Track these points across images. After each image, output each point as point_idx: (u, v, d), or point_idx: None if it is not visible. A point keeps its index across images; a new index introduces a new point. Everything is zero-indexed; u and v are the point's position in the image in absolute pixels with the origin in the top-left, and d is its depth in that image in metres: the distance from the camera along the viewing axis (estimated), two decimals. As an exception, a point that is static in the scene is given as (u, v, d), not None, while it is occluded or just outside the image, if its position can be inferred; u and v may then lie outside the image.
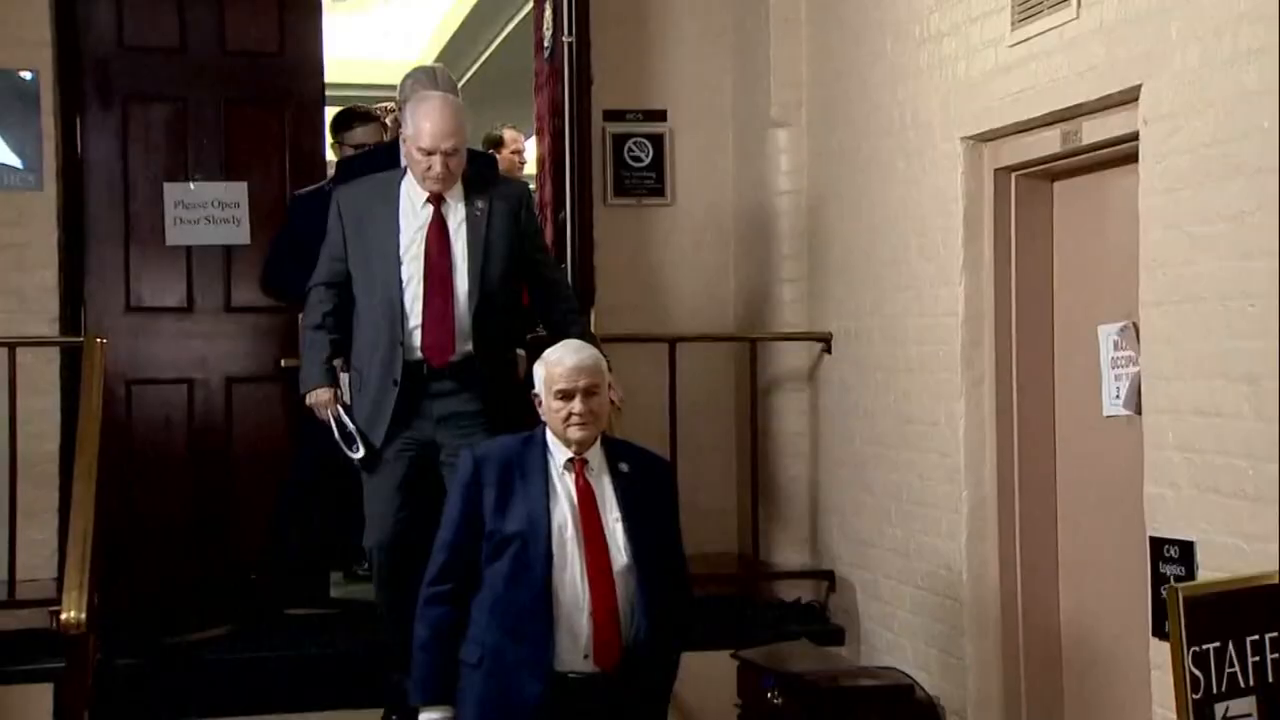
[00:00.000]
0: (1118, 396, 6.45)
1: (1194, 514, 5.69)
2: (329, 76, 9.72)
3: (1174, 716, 4.89)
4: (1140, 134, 5.97)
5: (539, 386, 5.99)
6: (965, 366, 7.33)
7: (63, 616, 6.94)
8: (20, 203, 8.93)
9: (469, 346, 7.21)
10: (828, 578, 8.84)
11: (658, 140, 9.80)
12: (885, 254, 8.12)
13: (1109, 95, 6.19)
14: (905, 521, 8.01)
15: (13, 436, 7.93)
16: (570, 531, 5.89)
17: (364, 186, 7.51)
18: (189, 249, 9.31)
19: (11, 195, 8.92)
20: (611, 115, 9.66)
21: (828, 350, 8.83)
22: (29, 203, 8.95)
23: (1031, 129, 6.87)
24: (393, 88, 8.89)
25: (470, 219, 7.27)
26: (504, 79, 12.39)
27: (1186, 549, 5.68)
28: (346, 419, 7.30)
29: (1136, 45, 5.97)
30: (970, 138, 7.29)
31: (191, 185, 9.30)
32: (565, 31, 9.15)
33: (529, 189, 7.94)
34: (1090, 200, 6.95)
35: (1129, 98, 6.05)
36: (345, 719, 7.54)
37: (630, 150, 9.78)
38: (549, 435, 6.05)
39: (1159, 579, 5.74)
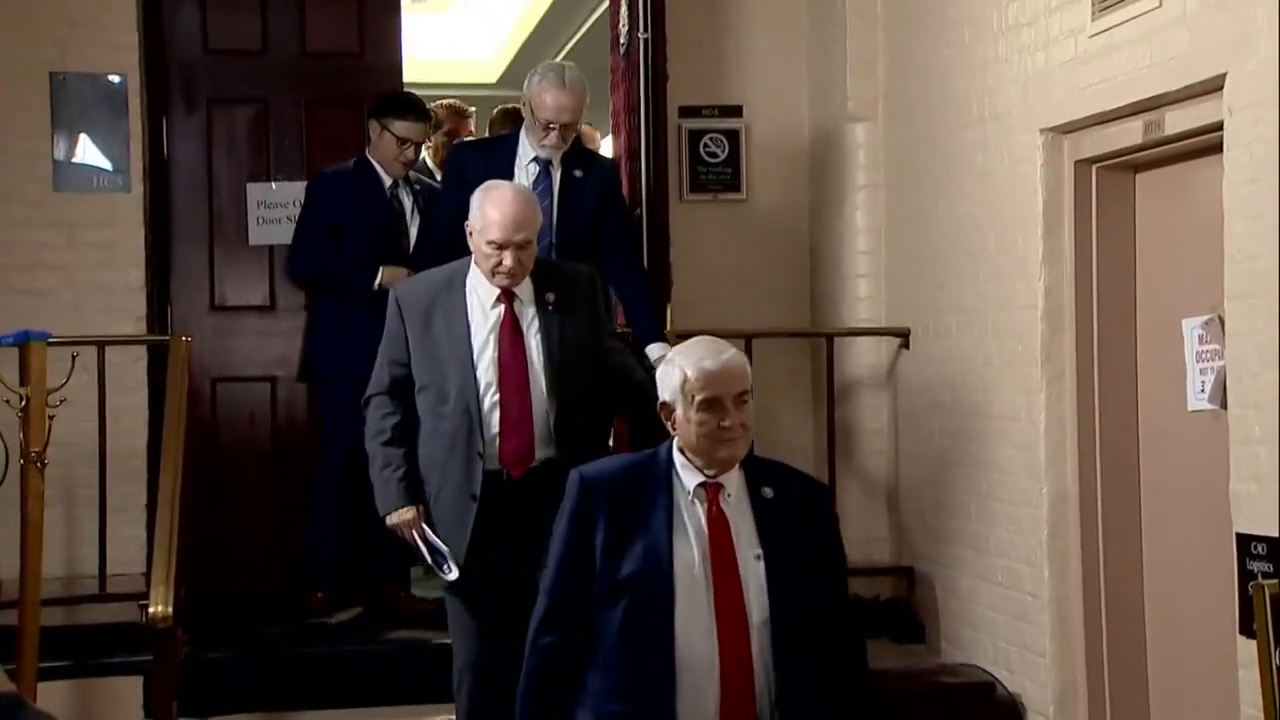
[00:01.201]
0: (1202, 391, 6.34)
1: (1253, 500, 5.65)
2: (407, 77, 9.76)
3: (1261, 716, 4.88)
4: (1225, 124, 5.87)
5: (669, 394, 5.05)
6: (1045, 360, 7.25)
7: (151, 610, 7.00)
8: (109, 204, 8.98)
9: (550, 452, 6.69)
10: (907, 574, 8.81)
11: (733, 136, 9.75)
12: (963, 248, 8.07)
13: (1192, 85, 6.09)
14: (985, 517, 7.95)
15: (102, 433, 7.97)
16: (699, 573, 4.94)
17: (425, 284, 7.00)
18: (271, 248, 9.32)
19: (101, 196, 8.98)
20: (687, 111, 9.63)
21: (905, 346, 8.79)
22: (117, 204, 9.00)
23: (1113, 120, 6.77)
24: (470, 87, 8.97)
25: (542, 313, 6.78)
26: (588, 76, 12.43)
27: (1274, 546, 5.57)
28: (435, 538, 6.70)
29: (1220, 33, 5.87)
30: (1050, 129, 7.21)
31: (273, 185, 9.33)
32: (641, 28, 9.16)
33: (596, 274, 7.26)
34: (1173, 192, 6.87)
35: (1213, 87, 5.95)
36: (431, 711, 7.49)
37: (706, 146, 9.73)
38: (676, 454, 5.10)
39: (1246, 576, 5.62)
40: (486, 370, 6.67)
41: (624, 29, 9.41)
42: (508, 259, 6.52)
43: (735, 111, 9.75)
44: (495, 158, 7.77)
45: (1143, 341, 7.11)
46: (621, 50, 9.47)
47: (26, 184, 8.87)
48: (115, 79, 9.00)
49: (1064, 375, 7.22)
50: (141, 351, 8.62)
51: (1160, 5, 6.22)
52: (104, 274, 8.86)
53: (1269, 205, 5.61)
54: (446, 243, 7.52)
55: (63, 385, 7.17)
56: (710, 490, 5.03)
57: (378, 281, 8.38)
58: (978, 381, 7.90)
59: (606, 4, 10.16)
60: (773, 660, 4.94)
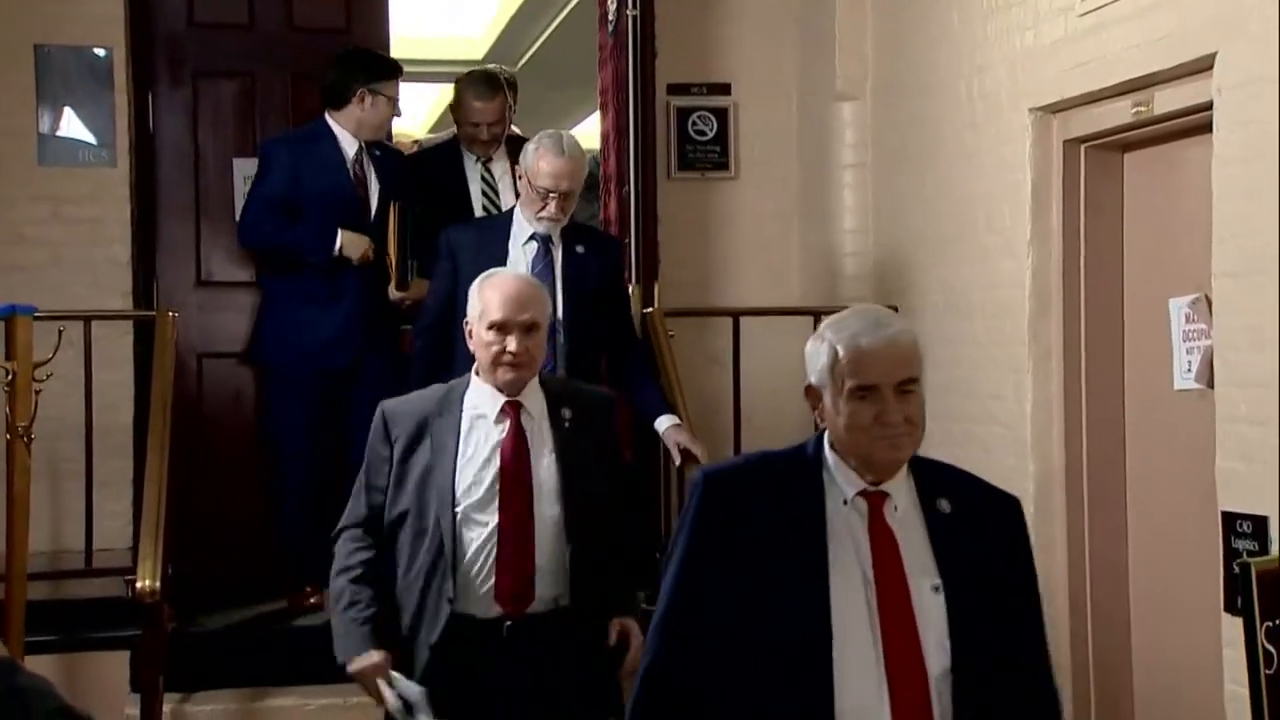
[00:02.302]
0: (1189, 370, 6.40)
1: (1267, 488, 5.65)
2: (395, 52, 9.66)
3: (1246, 692, 4.97)
4: (1214, 103, 5.93)
5: (816, 375, 3.96)
6: (1032, 340, 7.31)
7: (138, 585, 7.00)
8: (93, 178, 9.00)
9: (560, 593, 5.63)
10: None
11: (722, 114, 9.81)
12: (951, 227, 8.12)
13: (1182, 64, 6.15)
14: None
15: (89, 408, 7.99)
16: (862, 609, 3.78)
17: (418, 401, 5.93)
18: None
19: (85, 171, 9.00)
20: (675, 89, 9.68)
21: None
22: (102, 178, 9.02)
23: (1102, 100, 6.84)
24: (457, 63, 8.96)
25: (558, 431, 5.73)
26: (566, 56, 12.42)
27: (1260, 524, 5.64)
28: (407, 684, 5.61)
29: (1210, 13, 5.94)
30: (1038, 109, 7.27)
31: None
32: (630, 4, 9.15)
33: (615, 401, 6.44)
34: (1162, 172, 6.92)
35: (1202, 66, 6.01)
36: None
37: (694, 124, 9.80)
38: (828, 452, 3.97)
39: (1231, 554, 5.70)
40: (479, 492, 5.58)
41: (612, 6, 9.44)
42: (512, 343, 5.55)
43: (724, 89, 9.80)
44: (489, 236, 7.27)
45: (1130, 321, 7.17)
46: (610, 27, 9.50)
47: (11, 158, 8.90)
48: (100, 52, 9.02)
49: (1051, 354, 7.28)
50: (128, 326, 8.64)
51: None
52: (90, 249, 8.89)
53: (1258, 185, 5.68)
54: (438, 326, 7.14)
55: (49, 360, 7.17)
56: (873, 501, 3.91)
57: (337, 246, 8.14)
58: (965, 360, 7.93)
59: None
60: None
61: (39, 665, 6.92)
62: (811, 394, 3.97)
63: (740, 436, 8.61)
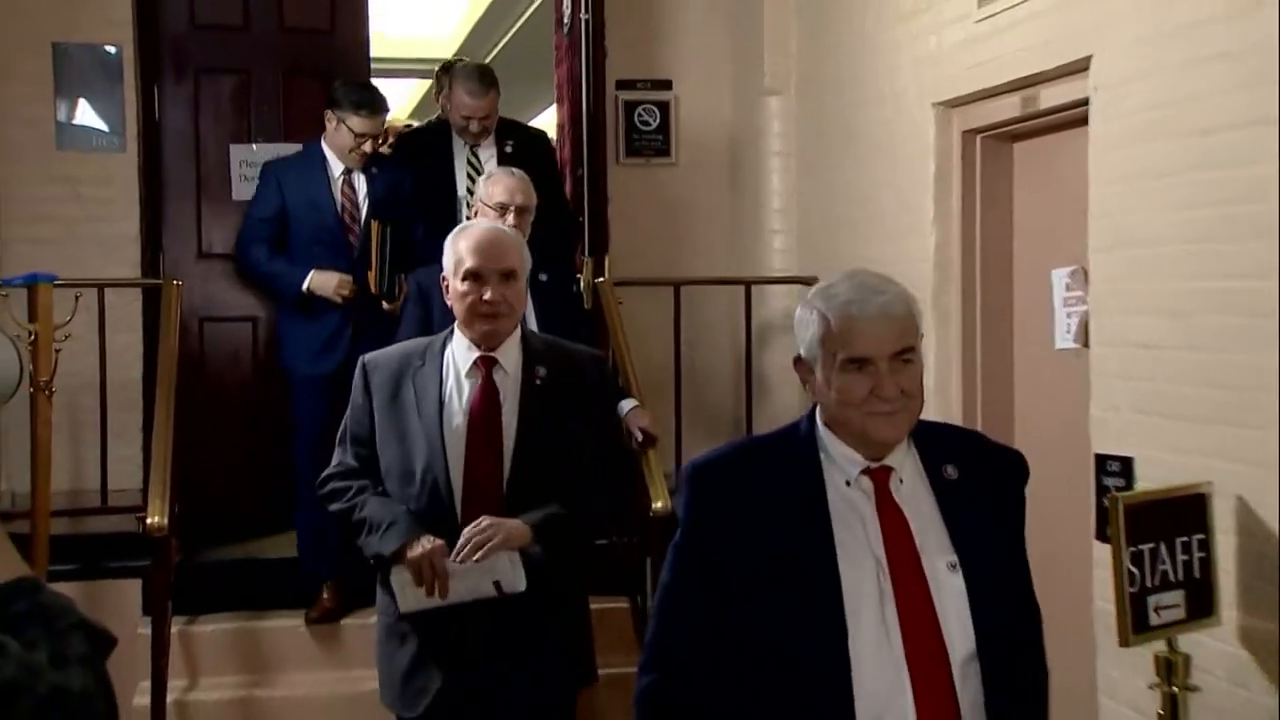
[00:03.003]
0: (1068, 332, 6.49)
1: (1133, 433, 5.75)
2: (373, 51, 9.82)
3: (1112, 608, 5.01)
4: (1091, 99, 6.00)
5: (805, 347, 3.46)
6: (935, 307, 7.32)
7: (148, 521, 7.02)
8: (106, 163, 9.03)
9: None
10: None
11: (664, 106, 9.83)
12: (865, 208, 8.15)
13: (1063, 65, 6.21)
14: None
15: (103, 366, 8.01)
16: (874, 595, 3.27)
17: (398, 351, 5.36)
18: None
19: (99, 156, 9.02)
20: (623, 84, 9.70)
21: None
22: (114, 163, 9.06)
23: (994, 96, 6.88)
24: (430, 61, 8.93)
25: (526, 389, 5.13)
26: (526, 54, 12.45)
27: (1126, 464, 5.75)
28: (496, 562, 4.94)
29: (1087, 19, 6.00)
30: (940, 104, 7.30)
31: (254, 147, 9.31)
32: (582, 9, 9.16)
33: (605, 360, 5.94)
34: (1046, 159, 6.99)
35: (1080, 67, 6.07)
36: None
37: (640, 115, 9.82)
38: (822, 430, 3.46)
39: (1102, 490, 5.82)
40: (455, 448, 5.05)
41: (567, 10, 9.44)
42: (489, 291, 4.99)
43: (665, 85, 9.82)
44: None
45: (1018, 289, 7.22)
46: (565, 29, 9.52)
47: (33, 144, 8.92)
48: (111, 50, 9.03)
49: (950, 319, 7.32)
50: (137, 294, 8.67)
51: None
52: (103, 225, 8.92)
53: (1128, 171, 5.75)
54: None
55: (67, 322, 7.23)
56: (878, 478, 3.38)
57: (305, 284, 7.83)
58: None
59: None
60: (983, 710, 3.27)
61: (61, 591, 7.14)
62: (801, 367, 3.46)
63: (681, 391, 8.63)
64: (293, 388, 8.04)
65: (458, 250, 5.09)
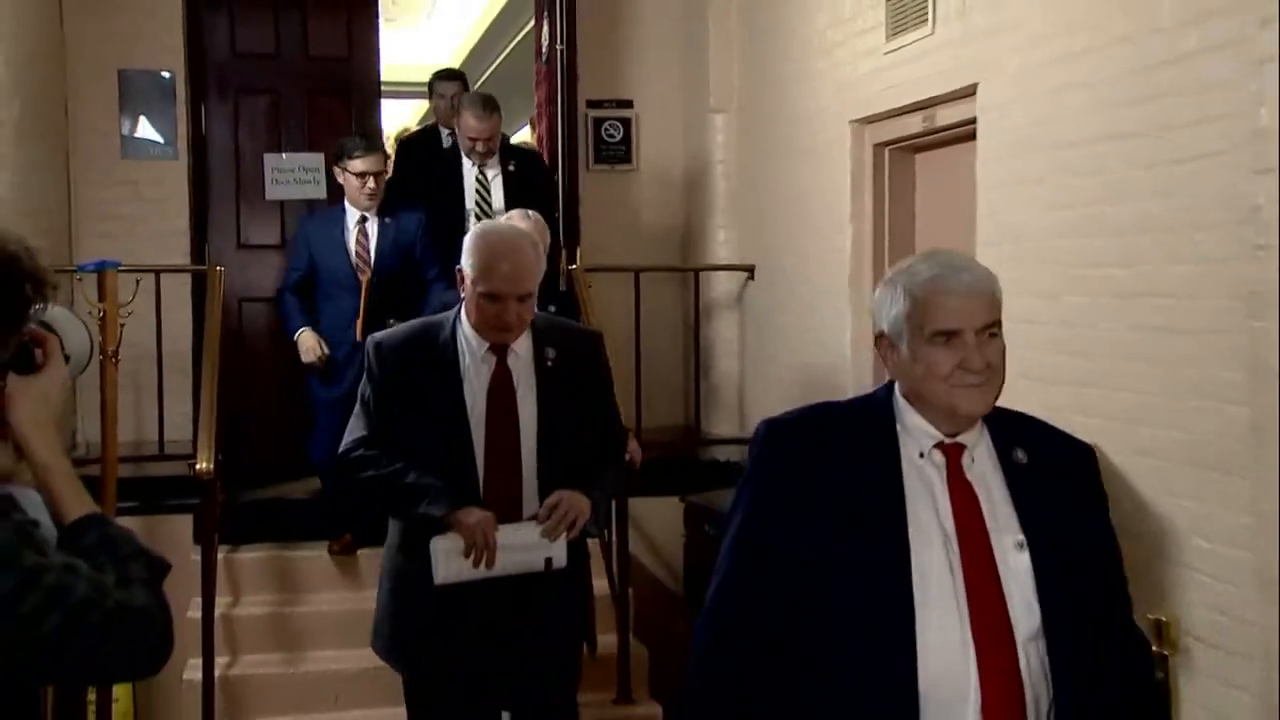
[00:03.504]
0: None
1: (1016, 395, 5.16)
2: (383, 76, 9.83)
3: None
4: (978, 119, 6.08)
5: (889, 323, 3.01)
6: (851, 287, 7.45)
7: (197, 467, 7.04)
8: (161, 169, 9.12)
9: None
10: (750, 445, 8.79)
11: (627, 122, 9.85)
12: (795, 206, 8.20)
13: (955, 90, 6.30)
14: (806, 397, 7.58)
15: (159, 338, 8.06)
16: (943, 569, 2.87)
17: (408, 332, 4.80)
18: (282, 202, 9.42)
19: (155, 164, 9.11)
20: (592, 104, 9.70)
21: (751, 278, 8.90)
22: (167, 169, 9.14)
23: (899, 115, 6.94)
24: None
25: (541, 372, 4.63)
26: (513, 77, 12.49)
27: None
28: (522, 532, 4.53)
29: (975, 54, 6.09)
30: (855, 121, 7.36)
31: (284, 155, 9.39)
32: (559, 41, 9.18)
33: (602, 336, 5.15)
34: (942, 167, 7.05)
35: (969, 92, 6.17)
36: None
37: (606, 130, 9.82)
38: (900, 402, 3.03)
39: None
40: (476, 429, 4.56)
41: (545, 42, 9.41)
42: (507, 313, 4.47)
43: (628, 104, 9.83)
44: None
45: None
46: (543, 58, 9.50)
47: (101, 154, 9.01)
48: (166, 75, 9.10)
49: (864, 298, 7.30)
50: (187, 278, 8.69)
51: (933, 33, 6.40)
52: (158, 221, 8.98)
53: (1008, 178, 5.85)
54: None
55: (130, 302, 7.15)
56: (950, 453, 2.96)
57: (295, 335, 7.67)
58: (803, 304, 8.02)
59: (531, 23, 10.30)
60: (1048, 686, 2.88)
61: (125, 525, 7.20)
62: (883, 343, 3.03)
63: (640, 360, 8.64)
64: (314, 405, 7.82)
65: (481, 263, 4.45)
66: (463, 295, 4.65)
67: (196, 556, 7.34)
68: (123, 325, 7.13)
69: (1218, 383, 4.53)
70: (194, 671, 7.17)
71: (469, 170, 7.77)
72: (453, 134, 8.63)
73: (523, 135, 11.29)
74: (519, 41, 12.15)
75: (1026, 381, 5.62)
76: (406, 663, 4.80)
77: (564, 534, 4.48)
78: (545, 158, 9.50)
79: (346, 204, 7.65)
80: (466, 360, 4.58)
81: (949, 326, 2.91)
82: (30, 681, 2.38)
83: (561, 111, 9.32)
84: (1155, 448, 4.92)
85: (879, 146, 7.35)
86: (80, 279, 7.34)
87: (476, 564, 4.38)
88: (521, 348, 4.63)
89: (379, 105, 9.83)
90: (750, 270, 8.91)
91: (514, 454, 4.55)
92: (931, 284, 2.93)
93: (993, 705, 2.79)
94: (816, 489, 2.93)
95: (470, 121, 7.63)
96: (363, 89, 9.62)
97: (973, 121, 6.19)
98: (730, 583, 3.07)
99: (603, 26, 9.70)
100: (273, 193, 9.42)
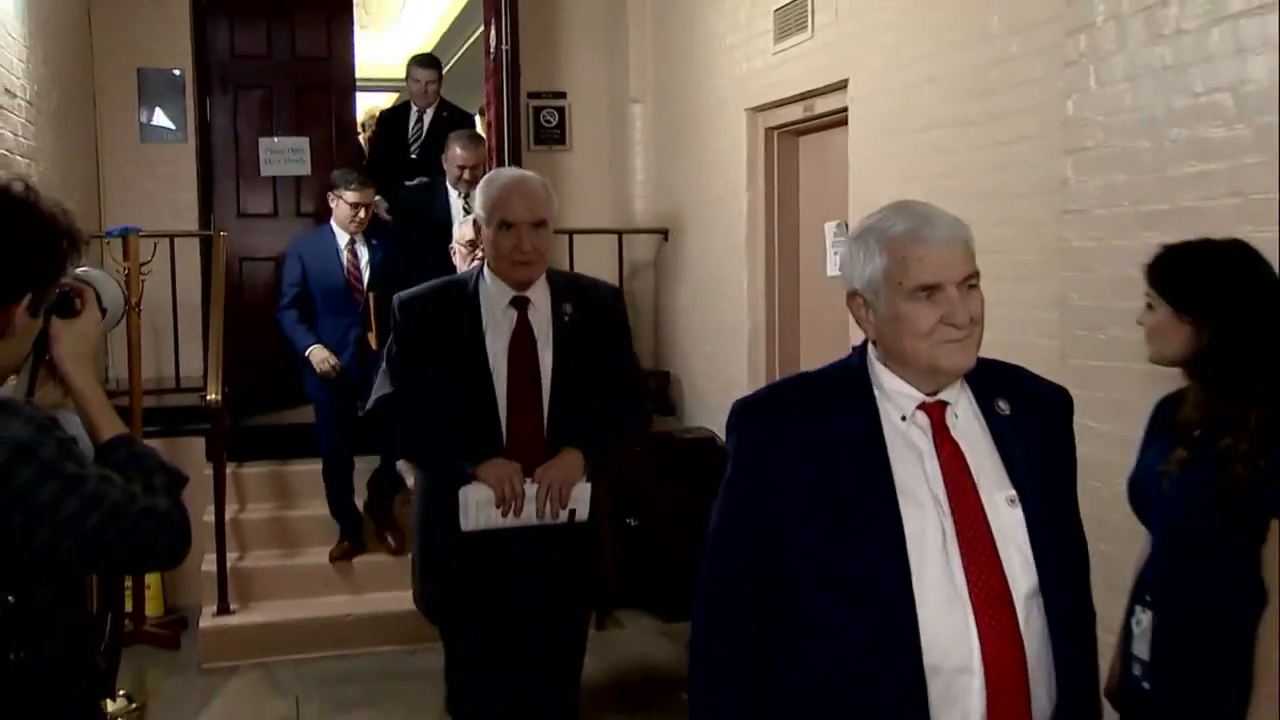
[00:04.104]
0: (835, 264, 6.42)
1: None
2: (358, 73, 9.76)
3: None
4: (848, 108, 6.14)
5: (861, 280, 2.48)
6: (748, 248, 7.46)
7: (207, 398, 7.13)
8: (173, 151, 9.06)
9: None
10: (665, 376, 8.88)
11: (561, 110, 9.79)
12: (701, 179, 8.17)
13: (830, 84, 6.35)
14: (712, 340, 8.06)
15: (174, 291, 7.99)
16: (935, 531, 2.40)
17: (431, 290, 4.23)
18: (274, 178, 9.35)
19: (168, 146, 9.05)
20: (533, 95, 9.61)
21: (666, 239, 8.85)
22: (178, 151, 9.08)
23: (785, 104, 6.98)
24: (395, 80, 8.82)
25: (558, 325, 4.08)
26: (466, 73, 12.41)
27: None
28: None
29: (845, 55, 6.14)
30: (751, 109, 7.38)
31: (275, 139, 9.31)
32: (504, 42, 9.05)
33: (620, 293, 4.71)
34: (820, 148, 7.05)
35: (841, 86, 6.22)
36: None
37: (544, 116, 9.76)
38: (875, 365, 2.52)
39: None
40: (499, 384, 4.03)
41: (493, 44, 9.23)
42: (524, 240, 3.95)
43: (561, 95, 9.76)
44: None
45: (803, 235, 7.28)
46: (491, 57, 9.34)
47: (124, 139, 8.97)
48: (177, 72, 9.04)
49: (759, 256, 7.43)
50: (195, 242, 8.59)
51: (812, 38, 6.44)
52: (172, 194, 8.91)
53: (873, 157, 5.90)
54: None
55: (149, 261, 7.20)
56: (933, 412, 2.47)
57: (306, 351, 7.14)
58: (709, 261, 8.02)
59: (481, 28, 10.21)
60: (1048, 645, 2.41)
61: (149, 444, 7.19)
62: (855, 302, 2.51)
63: None
64: (317, 408, 7.36)
65: (491, 198, 4.01)
66: (481, 249, 4.28)
67: (208, 471, 7.34)
68: (144, 281, 7.19)
69: (1035, 320, 4.62)
70: (209, 564, 7.22)
71: (455, 201, 7.37)
72: (421, 114, 8.67)
73: (477, 119, 11.22)
74: (471, 43, 12.04)
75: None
76: (441, 615, 4.28)
77: (565, 502, 3.95)
78: (493, 139, 9.50)
79: (335, 226, 7.21)
80: (488, 315, 4.05)
81: (930, 280, 2.38)
82: (76, 570, 2.40)
83: (507, 101, 9.17)
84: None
85: (769, 130, 7.35)
86: (108, 243, 7.28)
87: (505, 514, 3.90)
88: (541, 303, 4.08)
89: (354, 97, 9.77)
90: (665, 233, 8.85)
91: (536, 407, 4.01)
92: (908, 236, 2.41)
93: (995, 669, 2.32)
94: (797, 467, 2.43)
95: (458, 152, 7.26)
96: (340, 83, 9.54)
97: (844, 110, 6.23)
98: (721, 567, 2.56)
99: (541, 31, 9.61)
100: (266, 170, 9.35)
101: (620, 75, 9.48)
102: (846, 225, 6.27)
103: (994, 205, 4.95)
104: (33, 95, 7.01)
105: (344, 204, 7.10)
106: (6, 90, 6.50)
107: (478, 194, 4.09)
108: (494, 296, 4.05)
